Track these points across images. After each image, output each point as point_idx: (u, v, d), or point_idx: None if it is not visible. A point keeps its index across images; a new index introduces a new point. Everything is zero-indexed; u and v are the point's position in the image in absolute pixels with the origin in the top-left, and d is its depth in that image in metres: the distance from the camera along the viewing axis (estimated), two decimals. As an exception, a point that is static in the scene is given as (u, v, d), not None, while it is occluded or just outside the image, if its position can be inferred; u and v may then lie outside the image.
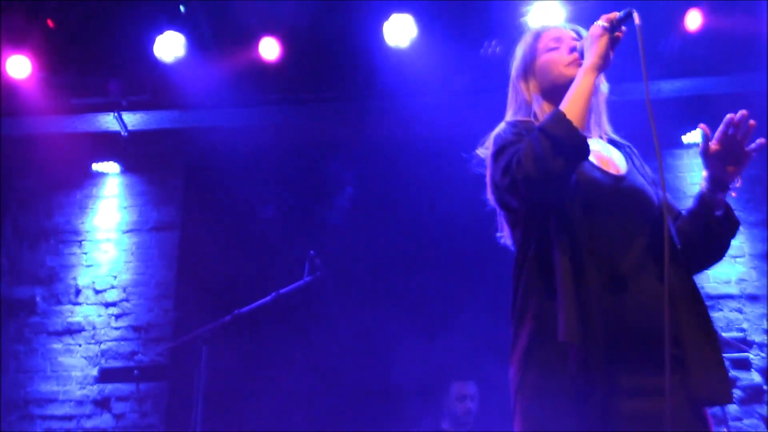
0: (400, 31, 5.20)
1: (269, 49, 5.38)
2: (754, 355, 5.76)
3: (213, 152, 6.14)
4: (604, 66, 2.04)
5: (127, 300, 6.24)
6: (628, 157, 2.22)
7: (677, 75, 5.61)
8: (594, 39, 2.04)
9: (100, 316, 6.20)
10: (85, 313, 6.21)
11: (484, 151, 2.22)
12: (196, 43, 5.37)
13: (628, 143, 2.32)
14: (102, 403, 5.95)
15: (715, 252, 2.19)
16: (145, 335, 6.13)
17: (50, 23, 5.43)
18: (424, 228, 5.97)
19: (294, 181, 6.23)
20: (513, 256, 2.14)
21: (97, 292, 6.27)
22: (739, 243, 6.07)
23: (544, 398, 1.86)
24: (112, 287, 6.28)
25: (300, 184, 6.24)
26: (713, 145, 2.14)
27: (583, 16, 5.17)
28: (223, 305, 4.44)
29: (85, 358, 6.08)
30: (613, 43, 2.06)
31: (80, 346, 6.12)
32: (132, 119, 5.91)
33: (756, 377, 5.70)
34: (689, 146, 6.33)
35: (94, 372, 6.01)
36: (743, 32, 5.33)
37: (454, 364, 5.41)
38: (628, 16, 2.06)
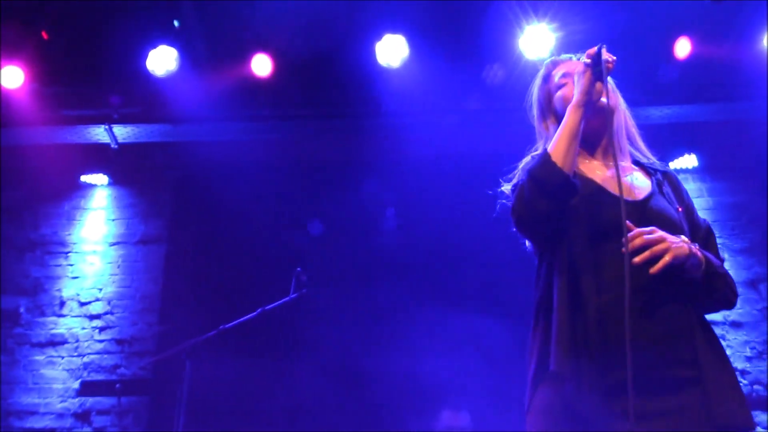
0: (392, 50, 5.24)
1: (262, 65, 5.41)
2: (736, 383, 5.77)
3: (203, 167, 6.14)
4: (588, 101, 2.07)
5: (111, 313, 6.20)
6: (656, 182, 2.23)
7: (666, 102, 5.67)
8: (579, 76, 2.09)
9: (83, 328, 6.16)
10: (68, 325, 6.17)
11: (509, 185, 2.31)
12: (189, 57, 5.39)
13: (664, 168, 2.35)
14: (82, 417, 5.89)
15: (714, 303, 2.15)
16: (128, 348, 6.09)
17: (44, 35, 5.44)
18: (413, 244, 5.98)
19: (283, 198, 6.22)
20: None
21: (82, 304, 6.23)
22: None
23: (546, 420, 1.94)
24: (97, 300, 6.24)
25: (289, 200, 6.24)
26: None
27: (572, 41, 5.25)
28: (208, 320, 4.43)
29: (67, 370, 6.03)
30: (600, 75, 2.07)
31: (63, 358, 6.06)
32: (123, 132, 5.91)
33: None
34: (677, 172, 6.35)
35: (76, 385, 5.96)
36: (731, 60, 5.41)
37: (444, 389, 5.38)
38: (600, 52, 2.10)
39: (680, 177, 6.40)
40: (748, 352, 5.89)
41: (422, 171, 5.96)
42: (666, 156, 6.17)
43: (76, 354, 6.07)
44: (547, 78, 2.35)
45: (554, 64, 2.37)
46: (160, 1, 5.36)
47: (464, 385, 5.24)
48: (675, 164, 6.27)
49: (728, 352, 5.53)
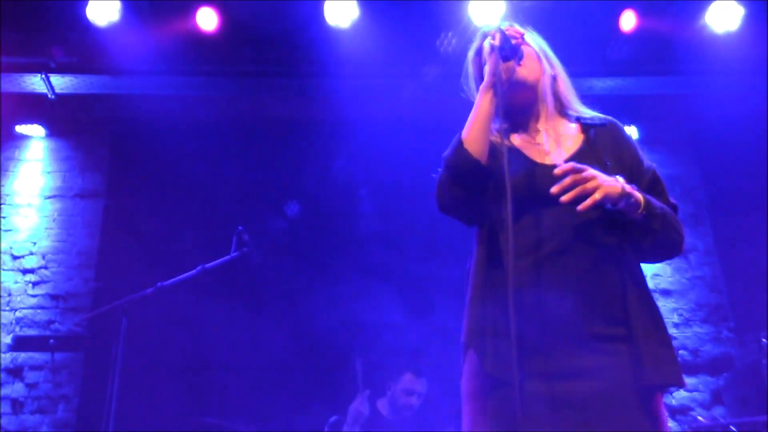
0: (341, 10, 5.19)
1: (207, 19, 5.29)
2: (663, 348, 6.00)
3: (143, 121, 6.01)
4: (496, 82, 2.05)
5: (45, 267, 6.06)
6: (587, 140, 2.19)
7: (609, 74, 5.76)
8: (488, 58, 2.12)
9: (16, 282, 6.01)
10: (0, 279, 6.01)
11: None
12: (132, 7, 5.24)
13: (603, 121, 2.30)
14: (14, 372, 5.77)
15: (658, 247, 2.10)
16: (63, 304, 5.97)
17: (-22, -22, 5.21)
18: (357, 206, 5.99)
19: (225, 155, 6.14)
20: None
21: (15, 258, 6.07)
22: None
23: (470, 401, 1.97)
24: (31, 254, 6.09)
25: (231, 157, 6.17)
26: None
27: (522, 10, 5.26)
28: (146, 277, 4.37)
29: (-2, 325, 5.90)
30: (508, 54, 2.09)
31: (-6, 312, 5.93)
32: (60, 82, 5.73)
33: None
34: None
35: (8, 340, 5.83)
36: (673, 35, 5.51)
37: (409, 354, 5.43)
38: (503, 33, 2.12)
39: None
40: (676, 319, 6.12)
41: (366, 134, 5.95)
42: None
43: (8, 308, 5.93)
44: (479, 51, 2.30)
45: (485, 36, 2.28)
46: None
47: (428, 353, 5.33)
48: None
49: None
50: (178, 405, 5.44)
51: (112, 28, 5.18)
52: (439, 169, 2.09)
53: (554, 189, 1.85)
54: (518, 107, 2.23)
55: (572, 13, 5.37)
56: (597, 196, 1.84)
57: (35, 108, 6.10)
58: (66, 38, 5.42)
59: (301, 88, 5.91)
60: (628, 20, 5.37)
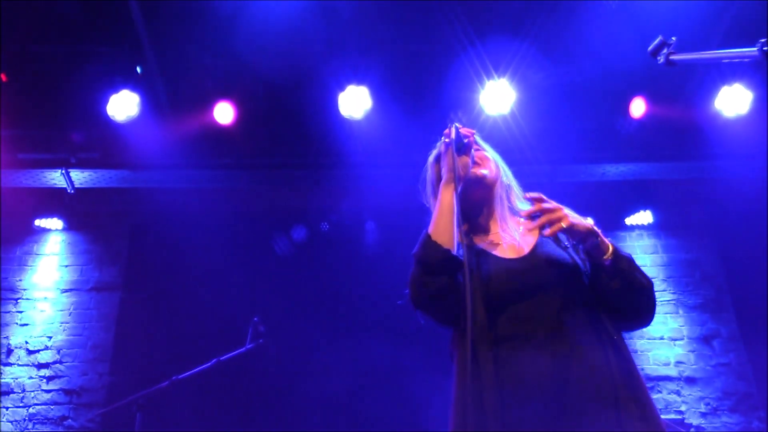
0: (355, 102, 5.29)
1: (224, 113, 5.41)
2: (692, 440, 5.82)
3: (160, 214, 6.08)
4: (454, 177, 2.12)
5: (60, 362, 6.02)
6: (547, 240, 2.25)
7: (622, 159, 5.79)
8: (443, 156, 2.21)
9: (31, 378, 5.96)
10: (15, 374, 5.97)
11: None
12: (150, 103, 5.38)
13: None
14: (27, 471, 5.67)
15: (634, 301, 2.13)
16: (77, 399, 5.90)
17: (3, 77, 5.38)
18: (372, 297, 5.96)
19: (241, 246, 6.17)
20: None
21: (30, 352, 6.04)
22: (677, 326, 6.20)
23: None
24: (46, 348, 6.06)
25: (247, 248, 6.19)
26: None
27: (531, 98, 5.36)
28: (161, 370, 4.33)
29: (11, 422, 5.81)
30: (462, 150, 2.18)
31: (7, 409, 5.85)
32: (80, 176, 5.83)
33: (695, 462, 5.74)
34: (632, 228, 6.52)
35: (21, 437, 5.75)
36: (685, 121, 5.56)
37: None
38: (457, 131, 2.20)
39: (635, 233, 6.52)
40: (703, 408, 5.94)
41: (382, 222, 5.99)
42: (621, 212, 6.31)
43: (21, 404, 5.86)
44: (438, 158, 2.35)
45: (442, 146, 2.35)
46: (122, 47, 5.34)
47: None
48: (630, 220, 6.39)
49: (683, 408, 5.67)
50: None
51: (131, 124, 5.30)
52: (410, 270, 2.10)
53: (524, 212, 2.00)
54: (475, 205, 2.32)
55: (582, 102, 5.47)
56: (563, 224, 1.97)
57: (54, 202, 6.19)
58: (86, 134, 5.55)
59: (317, 179, 5.98)
60: (638, 107, 5.45)
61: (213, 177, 5.87)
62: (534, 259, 2.14)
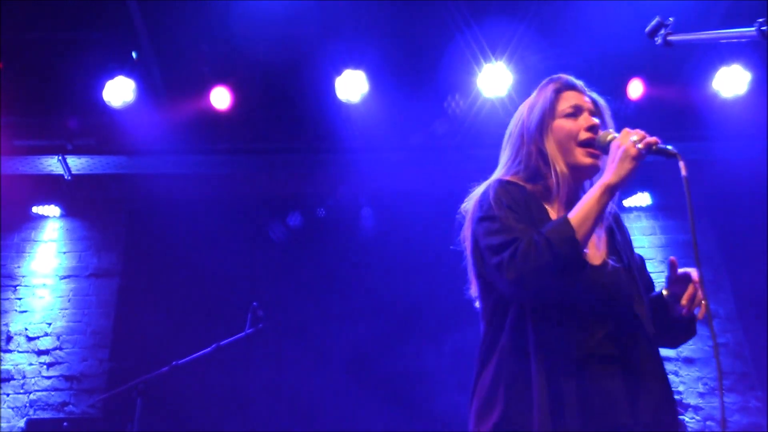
0: (351, 86, 5.27)
1: (220, 98, 5.40)
2: (689, 418, 5.85)
3: (158, 200, 6.08)
4: (623, 186, 2.00)
5: (60, 348, 6.03)
6: (610, 234, 2.19)
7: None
8: (623, 156, 1.98)
9: (31, 364, 5.98)
10: (15, 361, 5.99)
11: (469, 203, 2.18)
12: (146, 89, 5.36)
13: (613, 211, 2.27)
14: (27, 456, 5.69)
15: (679, 338, 2.24)
16: (77, 385, 5.92)
17: (-1, 64, 5.36)
18: (370, 281, 5.97)
19: (239, 231, 6.17)
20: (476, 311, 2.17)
21: (30, 339, 6.06)
22: (677, 307, 6.21)
23: None
24: (46, 335, 6.08)
25: (245, 234, 6.20)
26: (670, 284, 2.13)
27: (530, 79, 5.35)
28: (161, 356, 4.35)
29: (12, 408, 5.83)
30: (640, 158, 2.01)
31: (8, 395, 5.87)
32: (76, 163, 5.82)
33: (691, 440, 5.79)
34: (630, 209, 6.52)
35: (21, 423, 5.76)
36: (682, 101, 5.55)
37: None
38: (670, 156, 2.05)
39: (633, 215, 6.54)
40: (701, 388, 5.98)
41: (380, 206, 5.99)
42: (619, 194, 6.30)
43: (22, 391, 5.88)
44: (557, 93, 2.22)
45: (566, 85, 2.25)
46: (118, 33, 5.31)
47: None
48: (628, 202, 6.39)
49: (681, 388, 5.71)
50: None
51: (127, 109, 5.28)
52: (516, 240, 1.92)
53: (684, 308, 2.02)
54: (575, 188, 2.19)
55: (582, 81, 5.45)
56: (704, 310, 2.03)
57: (51, 189, 6.19)
58: (82, 120, 5.53)
59: (314, 164, 5.97)
60: (635, 88, 5.43)
61: (210, 162, 5.85)
62: (605, 273, 2.03)
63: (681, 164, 2.01)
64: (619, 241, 2.17)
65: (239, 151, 5.71)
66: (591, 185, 2.11)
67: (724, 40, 1.95)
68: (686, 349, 6.09)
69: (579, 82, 2.28)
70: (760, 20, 1.75)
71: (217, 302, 5.84)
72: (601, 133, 2.13)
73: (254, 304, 4.49)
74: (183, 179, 6.04)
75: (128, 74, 5.26)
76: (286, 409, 5.56)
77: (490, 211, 2.01)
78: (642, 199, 6.39)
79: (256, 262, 6.12)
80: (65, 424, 5.68)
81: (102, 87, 5.23)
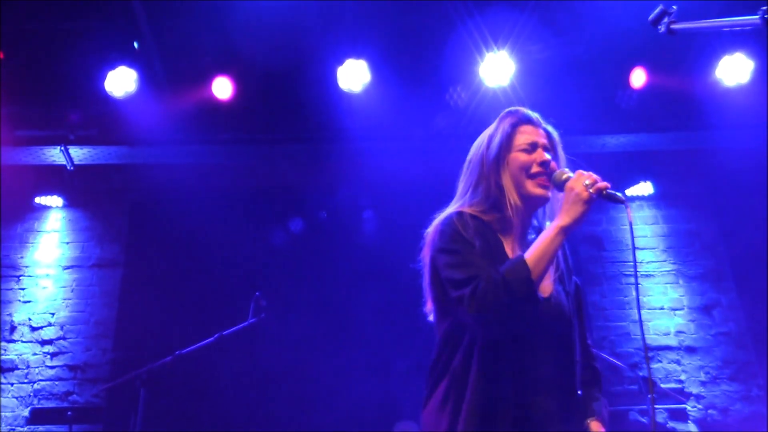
0: (353, 75, 5.26)
1: (222, 88, 5.39)
2: (691, 407, 5.86)
3: (160, 190, 6.08)
4: (576, 227, 2.13)
5: (64, 338, 6.05)
6: (557, 263, 2.32)
7: (622, 130, 5.78)
8: (576, 200, 2.11)
9: (35, 354, 6.00)
10: (19, 350, 6.01)
11: (431, 228, 2.31)
12: (148, 79, 5.35)
13: None
14: (32, 446, 5.73)
15: None
16: (81, 375, 5.94)
17: (0, 54, 5.34)
18: (374, 270, 5.97)
19: (241, 221, 6.17)
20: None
21: (33, 329, 6.08)
22: (678, 296, 6.23)
23: None
24: (49, 325, 6.10)
25: (247, 223, 6.20)
26: None
27: (532, 68, 5.33)
28: (164, 346, 4.36)
29: (16, 398, 5.86)
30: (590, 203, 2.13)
31: (12, 385, 5.90)
32: (79, 153, 5.81)
33: (692, 428, 5.78)
34: (633, 199, 6.51)
35: (26, 413, 5.79)
36: (685, 91, 5.54)
37: (401, 403, 5.40)
38: (618, 201, 2.15)
39: (636, 204, 6.53)
40: (703, 377, 5.98)
41: (381, 195, 5.99)
42: (622, 183, 6.31)
43: (26, 381, 5.91)
44: (514, 128, 2.33)
45: (522, 119, 2.36)
46: (119, 23, 5.30)
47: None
48: (631, 191, 6.39)
49: (683, 377, 5.71)
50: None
51: (130, 100, 5.28)
52: (476, 278, 2.06)
53: None
54: (528, 218, 2.38)
55: (582, 72, 5.44)
56: None
57: (54, 179, 6.19)
58: (84, 110, 5.53)
59: (316, 153, 5.96)
60: (638, 77, 5.42)
61: (211, 152, 5.83)
62: (551, 306, 2.20)
63: (628, 211, 2.14)
64: (563, 270, 2.33)
65: (241, 140, 5.70)
66: (543, 213, 2.37)
67: (728, 29, 1.94)
68: (688, 339, 6.10)
69: (535, 115, 2.39)
70: (764, 8, 1.74)
71: (219, 292, 5.85)
72: (557, 171, 2.25)
73: (257, 293, 4.51)
74: (185, 169, 6.03)
75: (130, 64, 5.26)
76: (288, 397, 5.58)
77: (450, 244, 2.17)
78: (644, 188, 6.37)
79: (259, 251, 6.12)
80: (69, 413, 5.71)
81: (104, 77, 5.24)
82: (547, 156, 2.28)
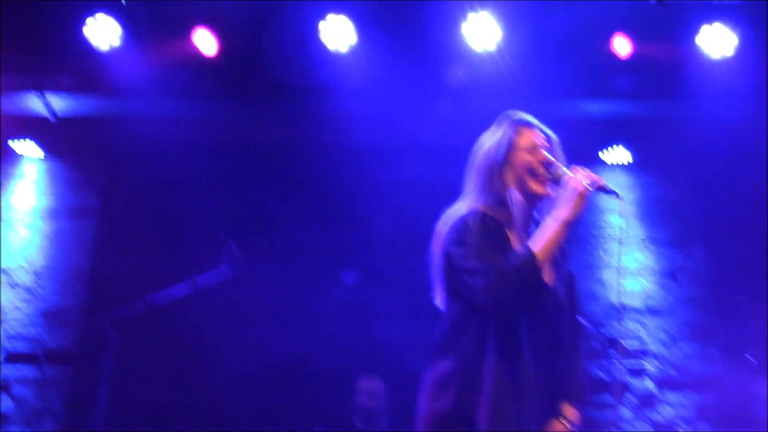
0: (338, 33, 5.22)
1: (206, 43, 5.30)
2: (650, 365, 6.06)
3: (141, 143, 6.00)
4: (576, 220, 2.33)
5: (38, 284, 6.03)
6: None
7: (604, 97, 5.82)
8: (574, 194, 2.31)
9: (8, 298, 5.97)
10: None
11: (444, 225, 2.50)
12: (132, 31, 5.23)
13: None
14: (3, 387, 5.74)
15: None
16: (53, 320, 5.95)
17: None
18: (353, 227, 6.00)
19: (221, 176, 6.13)
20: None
21: (7, 273, 6.04)
22: (646, 259, 6.36)
23: None
24: (24, 270, 6.07)
25: (227, 179, 6.17)
26: None
27: (518, 33, 5.31)
28: (137, 294, 4.38)
29: (-13, 341, 5.86)
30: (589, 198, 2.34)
31: (-18, 329, 5.89)
32: (60, 104, 5.71)
33: (650, 384, 6.01)
34: (610, 166, 6.58)
35: (-2, 357, 5.80)
36: (668, 60, 5.55)
37: (371, 360, 5.48)
38: (612, 194, 2.38)
39: (613, 170, 6.58)
40: (664, 337, 6.17)
41: (362, 157, 5.98)
42: (601, 149, 6.39)
43: (-2, 325, 5.90)
44: (515, 131, 2.54)
45: (523, 123, 2.56)
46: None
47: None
48: (609, 158, 6.45)
49: (645, 337, 5.89)
50: (167, 420, 5.42)
51: (113, 52, 5.19)
52: (486, 269, 2.26)
53: None
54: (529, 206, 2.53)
55: (567, 39, 5.42)
56: None
57: (34, 128, 6.09)
58: (66, 60, 5.41)
59: (300, 112, 5.91)
60: (622, 45, 5.41)
61: (194, 107, 5.77)
62: (555, 296, 2.43)
63: (622, 204, 2.41)
64: (558, 261, 2.49)
65: (225, 96, 5.65)
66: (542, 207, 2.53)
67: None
68: (653, 301, 6.26)
69: (534, 120, 2.60)
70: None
71: (195, 244, 5.83)
72: (554, 167, 2.46)
73: (230, 244, 4.50)
74: (166, 123, 5.94)
75: (113, 15, 5.14)
76: (262, 350, 5.61)
77: (466, 238, 2.36)
78: (622, 154, 6.44)
79: (237, 206, 6.11)
80: (41, 356, 5.73)
81: (87, 28, 5.13)
82: (549, 156, 2.48)
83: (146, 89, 5.44)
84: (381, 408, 5.11)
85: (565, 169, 2.43)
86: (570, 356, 2.50)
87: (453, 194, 2.56)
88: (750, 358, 5.35)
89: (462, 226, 2.40)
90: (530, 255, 2.26)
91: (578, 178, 2.34)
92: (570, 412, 2.47)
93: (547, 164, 2.46)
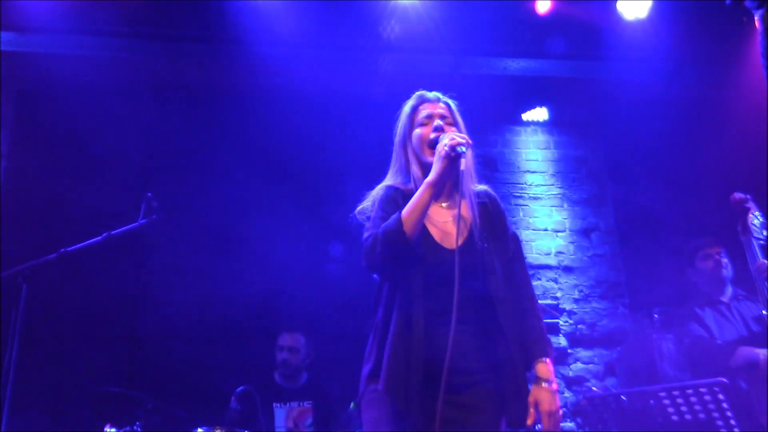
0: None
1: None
2: (563, 322, 6.26)
3: (50, 81, 5.75)
4: (441, 181, 2.45)
5: (-59, 232, 5.78)
6: (477, 218, 2.57)
7: (523, 55, 5.89)
8: (437, 157, 2.46)
9: None
10: None
11: (366, 204, 2.67)
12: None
13: (489, 197, 2.71)
14: None
15: None
16: (-41, 271, 5.71)
17: None
18: (269, 174, 5.95)
19: (135, 119, 5.96)
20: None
21: None
22: (561, 218, 6.54)
23: (374, 415, 2.42)
24: (-77, 217, 5.79)
25: (141, 122, 6.00)
26: None
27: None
28: (49, 242, 4.24)
29: None
30: (456, 159, 2.43)
31: None
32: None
33: (563, 341, 6.21)
34: (528, 124, 6.71)
35: None
36: (587, 21, 5.66)
37: (289, 314, 5.48)
38: (462, 156, 2.43)
39: (530, 129, 6.72)
40: (576, 295, 6.38)
41: (277, 104, 5.92)
42: (519, 107, 6.48)
43: None
44: (414, 110, 2.71)
45: (421, 100, 2.72)
46: None
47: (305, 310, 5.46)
48: (526, 116, 6.56)
49: (558, 294, 6.05)
50: (79, 373, 5.33)
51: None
52: (369, 235, 2.44)
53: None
54: (445, 182, 2.58)
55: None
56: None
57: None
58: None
59: (217, 55, 5.78)
60: (543, 3, 5.50)
61: (108, 45, 5.53)
62: (460, 256, 2.39)
63: (462, 161, 2.42)
64: (484, 224, 2.58)
65: (140, 35, 5.44)
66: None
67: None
68: (567, 259, 6.45)
69: (433, 94, 2.75)
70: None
71: (110, 191, 5.68)
72: (439, 136, 2.56)
73: (148, 194, 4.39)
74: (78, 60, 5.66)
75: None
76: (180, 303, 5.54)
77: (369, 212, 2.59)
78: (539, 113, 6.56)
79: (154, 151, 5.97)
80: (-53, 308, 5.51)
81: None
82: (439, 121, 2.62)
83: (56, 24, 5.21)
84: (303, 363, 5.14)
85: (443, 135, 2.51)
86: (512, 311, 2.51)
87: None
88: (656, 315, 5.57)
89: (370, 200, 2.63)
90: (395, 217, 2.38)
91: (443, 142, 2.45)
92: (543, 369, 2.49)
93: (438, 129, 2.60)
